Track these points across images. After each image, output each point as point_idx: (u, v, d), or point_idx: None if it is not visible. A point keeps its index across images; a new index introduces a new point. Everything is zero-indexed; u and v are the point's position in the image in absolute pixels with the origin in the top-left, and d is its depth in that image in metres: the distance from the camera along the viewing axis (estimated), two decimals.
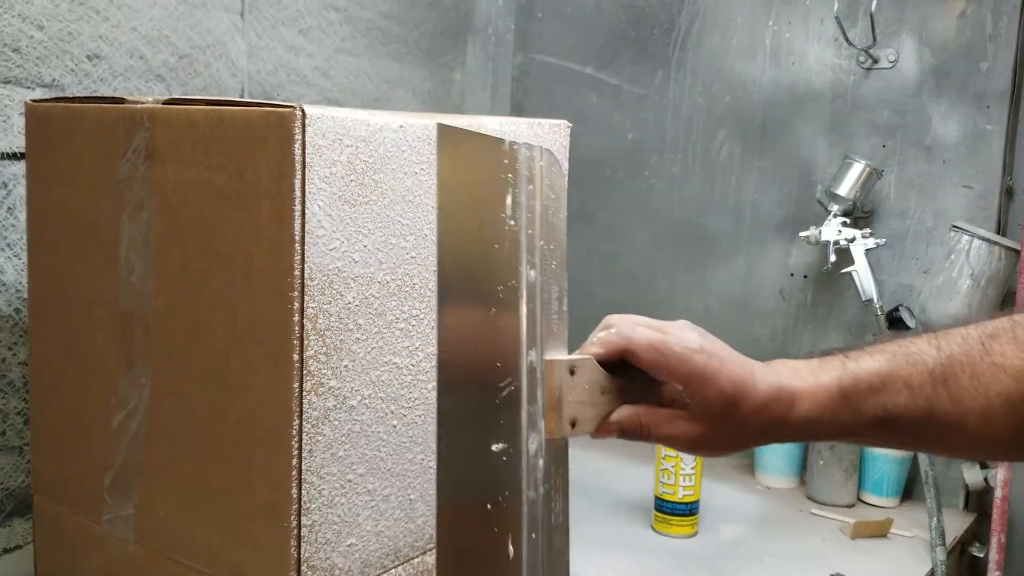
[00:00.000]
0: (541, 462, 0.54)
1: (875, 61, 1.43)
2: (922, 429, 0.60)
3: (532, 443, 0.53)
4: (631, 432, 0.60)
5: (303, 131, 0.68)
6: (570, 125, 0.97)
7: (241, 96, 1.31)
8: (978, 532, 1.40)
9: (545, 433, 0.54)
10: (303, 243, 0.69)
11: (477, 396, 0.51)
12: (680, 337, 0.58)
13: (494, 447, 0.51)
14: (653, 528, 1.27)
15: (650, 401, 0.60)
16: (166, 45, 1.19)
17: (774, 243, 1.54)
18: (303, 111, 0.67)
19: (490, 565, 0.51)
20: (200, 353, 0.76)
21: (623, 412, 0.59)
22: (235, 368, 0.73)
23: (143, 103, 0.79)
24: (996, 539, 1.33)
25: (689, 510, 1.25)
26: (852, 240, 1.36)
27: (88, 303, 0.85)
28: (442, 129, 0.51)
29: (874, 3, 1.39)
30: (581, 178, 1.65)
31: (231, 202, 0.72)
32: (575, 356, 0.56)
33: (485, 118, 0.86)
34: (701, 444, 0.60)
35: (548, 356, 0.55)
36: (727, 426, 0.58)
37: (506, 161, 0.53)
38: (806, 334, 1.52)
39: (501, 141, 0.53)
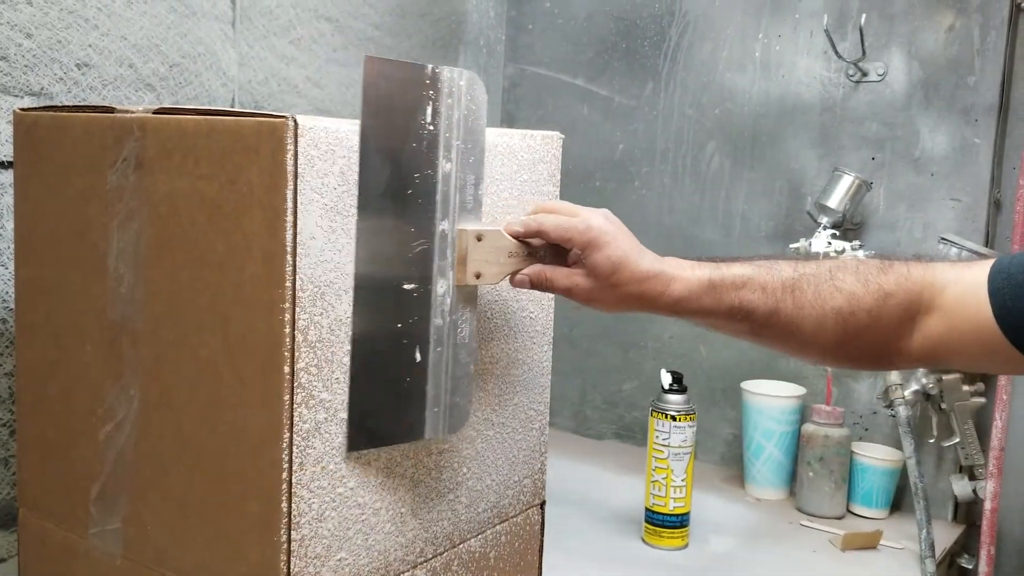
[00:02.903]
0: (449, 299, 0.76)
1: (864, 74, 1.44)
2: (768, 324, 0.77)
3: (440, 286, 0.75)
4: (538, 283, 0.79)
5: (295, 141, 0.67)
6: (562, 136, 0.97)
7: (232, 106, 1.30)
8: (967, 544, 1.41)
9: (454, 280, 0.76)
10: (295, 254, 0.68)
11: (392, 250, 0.73)
12: (586, 218, 0.78)
13: (406, 286, 0.73)
14: (643, 540, 1.27)
15: (558, 263, 0.80)
16: (156, 54, 1.19)
17: (762, 255, 1.54)
18: (295, 121, 0.67)
19: (403, 365, 0.75)
20: (189, 364, 0.75)
21: (533, 268, 0.79)
22: (225, 380, 0.73)
23: (133, 112, 0.78)
24: (985, 551, 1.33)
25: (679, 522, 1.25)
26: (842, 252, 1.37)
27: (76, 313, 0.85)
28: (369, 60, 0.70)
29: (863, 17, 1.40)
30: (571, 188, 1.65)
31: (222, 212, 0.71)
32: (485, 227, 0.78)
33: None
34: (589, 295, 0.79)
35: (460, 226, 0.76)
36: (609, 284, 0.77)
37: (428, 81, 0.73)
38: None
39: (423, 66, 0.73)
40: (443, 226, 0.74)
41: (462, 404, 0.79)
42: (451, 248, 0.75)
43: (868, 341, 0.77)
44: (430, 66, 0.72)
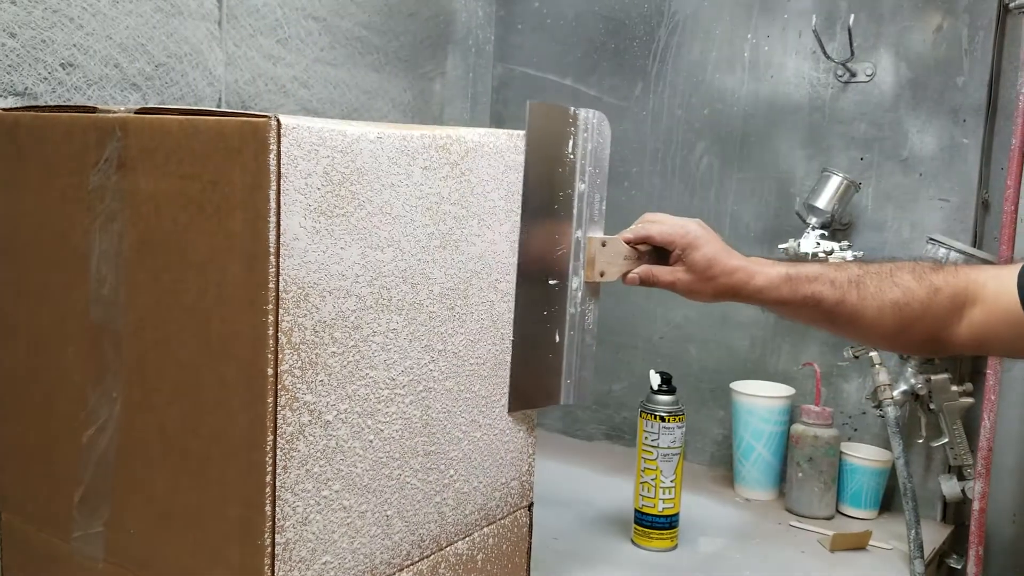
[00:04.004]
0: (580, 293, 0.96)
1: (852, 74, 1.44)
2: (835, 312, 0.91)
3: (574, 282, 0.95)
4: (646, 278, 0.98)
5: (278, 141, 0.67)
6: None
7: (218, 106, 1.29)
8: (956, 544, 1.41)
9: (584, 277, 0.96)
10: (278, 255, 0.68)
11: (542, 255, 0.92)
12: (684, 224, 0.97)
13: (551, 282, 0.93)
14: (632, 541, 1.27)
15: (660, 264, 0.98)
16: (142, 54, 1.18)
17: (753, 255, 1.54)
18: (278, 121, 0.66)
19: (547, 344, 0.94)
20: (172, 367, 0.75)
21: (641, 267, 0.98)
22: (208, 383, 0.72)
23: (115, 112, 0.77)
24: (974, 551, 1.33)
25: (669, 523, 1.25)
26: (830, 253, 1.37)
27: (58, 316, 0.84)
28: (532, 105, 0.90)
29: (852, 17, 1.40)
30: None
31: (204, 213, 0.71)
32: (607, 236, 0.97)
33: (464, 129, 0.85)
34: (689, 289, 0.96)
35: (589, 235, 0.96)
36: (705, 278, 0.95)
37: (570, 119, 0.93)
38: (785, 346, 1.52)
39: (568, 108, 0.93)
40: (578, 234, 0.94)
41: (587, 377, 0.98)
42: (582, 252, 0.95)
43: (921, 329, 0.90)
44: (572, 108, 0.92)
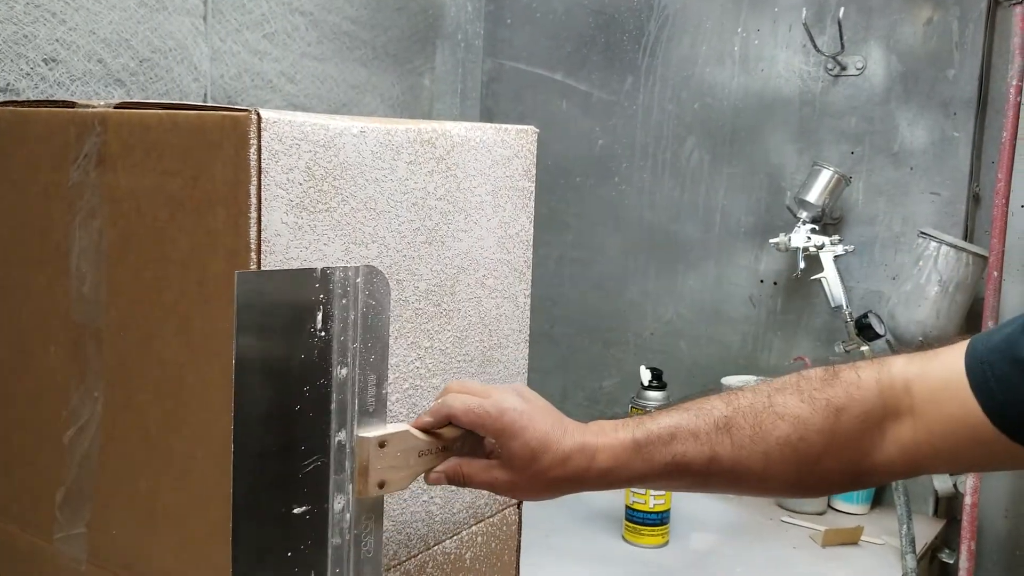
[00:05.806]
0: (348, 515, 0.68)
1: (843, 68, 1.43)
2: (708, 472, 0.70)
3: (338, 503, 0.68)
4: (454, 479, 0.71)
5: (259, 136, 0.66)
6: (537, 130, 0.96)
7: (204, 101, 1.28)
8: (948, 538, 1.41)
9: (355, 494, 0.68)
10: (259, 252, 0.67)
11: (278, 474, 0.65)
12: (497, 400, 0.70)
13: (296, 510, 0.65)
14: (623, 538, 1.26)
15: (476, 455, 0.72)
16: (126, 49, 1.17)
17: (744, 250, 1.54)
18: (259, 115, 0.65)
19: None
20: (154, 366, 0.73)
21: (448, 464, 0.71)
22: (190, 381, 0.71)
23: (94, 107, 0.76)
24: (966, 546, 1.33)
25: (660, 519, 1.24)
26: (821, 247, 1.36)
27: (39, 314, 0.83)
28: (240, 275, 0.62)
29: (842, 10, 1.39)
30: (551, 185, 1.64)
31: (185, 209, 0.70)
32: (389, 431, 0.70)
33: (450, 123, 0.84)
34: (512, 489, 0.71)
35: (361, 434, 0.69)
36: (531, 473, 0.69)
37: (317, 285, 0.65)
38: (776, 341, 1.52)
39: (312, 271, 0.65)
40: (340, 437, 0.68)
41: None
42: (350, 459, 0.68)
43: (830, 465, 0.69)
44: (320, 268, 0.66)
